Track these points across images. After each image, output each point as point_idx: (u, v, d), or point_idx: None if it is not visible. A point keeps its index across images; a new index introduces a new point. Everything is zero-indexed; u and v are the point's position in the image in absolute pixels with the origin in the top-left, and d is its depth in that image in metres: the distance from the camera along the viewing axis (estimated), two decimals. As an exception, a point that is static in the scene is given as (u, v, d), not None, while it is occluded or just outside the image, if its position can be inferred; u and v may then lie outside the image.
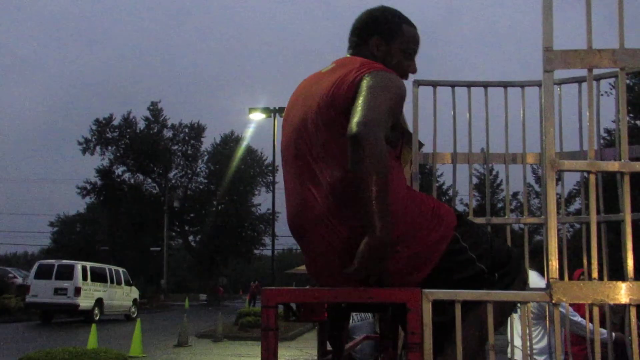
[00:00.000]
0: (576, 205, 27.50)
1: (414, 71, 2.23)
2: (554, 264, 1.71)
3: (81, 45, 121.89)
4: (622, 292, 1.68)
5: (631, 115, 24.32)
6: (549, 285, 1.71)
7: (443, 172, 22.70)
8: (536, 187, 30.71)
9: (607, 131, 24.45)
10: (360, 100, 1.83)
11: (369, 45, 2.15)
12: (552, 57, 1.77)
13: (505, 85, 2.96)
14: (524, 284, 2.04)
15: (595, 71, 1.93)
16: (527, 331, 1.73)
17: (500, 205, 28.99)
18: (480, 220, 2.87)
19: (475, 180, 31.82)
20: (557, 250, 1.71)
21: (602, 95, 3.36)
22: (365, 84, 1.88)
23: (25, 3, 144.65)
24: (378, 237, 1.69)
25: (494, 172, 32.56)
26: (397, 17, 2.18)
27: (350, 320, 4.46)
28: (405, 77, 2.20)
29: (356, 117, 1.76)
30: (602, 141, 3.16)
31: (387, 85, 1.91)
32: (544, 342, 3.89)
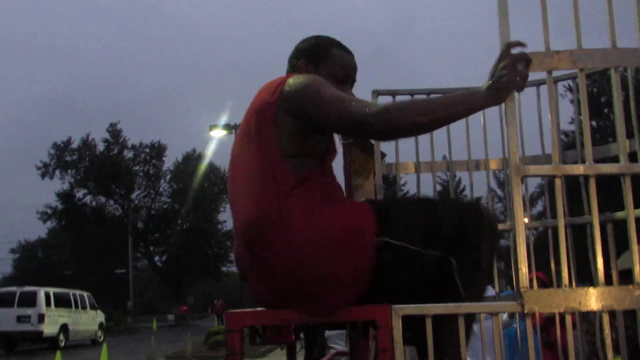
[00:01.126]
0: (538, 207, 27.90)
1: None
2: (524, 271, 1.65)
3: (34, 67, 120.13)
4: (593, 299, 1.64)
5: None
6: (519, 294, 1.66)
7: (407, 181, 22.80)
8: (499, 192, 31.08)
9: (564, 133, 24.99)
10: (322, 112, 1.82)
11: (297, 69, 2.10)
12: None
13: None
14: (492, 251, 1.91)
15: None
16: (499, 342, 1.67)
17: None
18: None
19: (439, 188, 32.00)
20: (526, 257, 1.66)
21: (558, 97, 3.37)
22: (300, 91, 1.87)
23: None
24: (484, 97, 1.71)
25: (456, 179, 32.84)
26: (327, 42, 2.12)
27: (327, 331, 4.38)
28: None
29: (343, 123, 1.80)
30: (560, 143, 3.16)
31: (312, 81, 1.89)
32: None
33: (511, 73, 1.66)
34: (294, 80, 1.90)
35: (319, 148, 1.93)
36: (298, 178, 1.83)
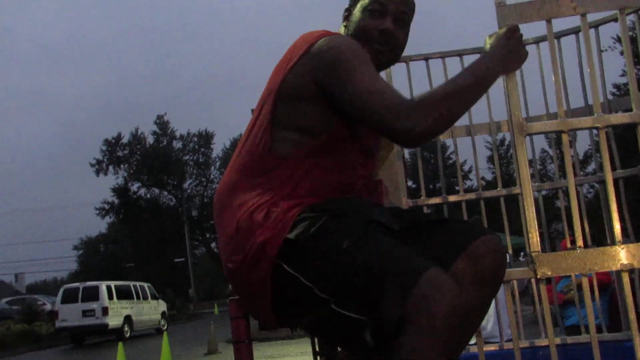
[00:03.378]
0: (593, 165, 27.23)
1: (388, 29, 1.75)
2: (534, 236, 1.57)
3: (81, 68, 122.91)
4: (611, 259, 1.54)
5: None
6: (531, 259, 1.57)
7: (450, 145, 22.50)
8: (550, 152, 30.45)
9: (616, 86, 24.12)
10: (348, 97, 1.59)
11: (343, 19, 1.89)
12: (506, 13, 1.64)
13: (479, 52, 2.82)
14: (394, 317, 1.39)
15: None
16: (514, 309, 1.59)
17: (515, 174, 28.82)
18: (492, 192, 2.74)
19: (488, 153, 31.64)
20: (535, 221, 1.57)
21: (605, 50, 3.20)
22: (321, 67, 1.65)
23: (23, 36, 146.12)
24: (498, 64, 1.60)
25: (506, 143, 32.29)
26: None
27: None
28: (377, 37, 1.76)
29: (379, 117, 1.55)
30: (610, 96, 3.02)
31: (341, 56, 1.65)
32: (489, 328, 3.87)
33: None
34: (324, 41, 1.69)
35: (318, 123, 1.69)
36: (269, 157, 1.68)
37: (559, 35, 2.75)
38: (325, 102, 1.66)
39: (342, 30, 1.87)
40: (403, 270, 1.39)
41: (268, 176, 1.67)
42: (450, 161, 30.89)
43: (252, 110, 1.86)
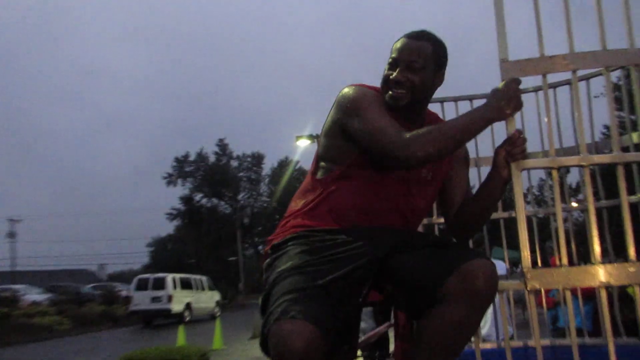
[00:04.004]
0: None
1: (393, 78, 1.75)
2: (526, 254, 1.55)
3: (158, 97, 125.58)
4: (591, 276, 1.52)
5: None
6: (523, 274, 1.55)
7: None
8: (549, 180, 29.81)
9: (606, 127, 23.55)
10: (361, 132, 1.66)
11: None
12: (508, 67, 1.63)
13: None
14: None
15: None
16: (506, 317, 1.57)
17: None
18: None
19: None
20: (527, 242, 1.55)
21: (597, 96, 3.14)
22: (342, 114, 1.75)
23: (114, 70, 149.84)
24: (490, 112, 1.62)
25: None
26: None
27: None
28: (392, 85, 1.75)
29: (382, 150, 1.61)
30: (601, 136, 2.96)
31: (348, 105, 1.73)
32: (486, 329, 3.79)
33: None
34: (346, 90, 1.77)
35: (343, 154, 1.76)
36: (310, 183, 1.82)
37: (556, 85, 2.72)
38: (345, 138, 1.73)
39: None
40: (266, 316, 1.45)
41: (305, 194, 1.79)
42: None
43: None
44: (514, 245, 3.79)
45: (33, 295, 27.77)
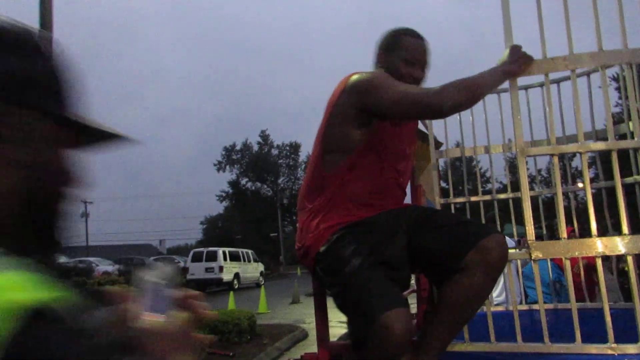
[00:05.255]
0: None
1: (418, 76, 1.77)
2: (530, 229, 1.59)
3: (210, 94, 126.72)
4: (588, 247, 1.55)
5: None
6: (528, 246, 1.59)
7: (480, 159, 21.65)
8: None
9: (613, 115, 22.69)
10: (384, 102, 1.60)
11: (376, 58, 1.86)
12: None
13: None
14: None
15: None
16: (513, 286, 1.61)
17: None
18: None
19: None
20: (531, 218, 1.58)
21: (600, 87, 3.05)
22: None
23: (173, 71, 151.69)
24: (507, 66, 1.63)
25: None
26: (399, 31, 1.82)
27: None
28: (413, 82, 1.74)
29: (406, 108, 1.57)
30: (603, 125, 2.90)
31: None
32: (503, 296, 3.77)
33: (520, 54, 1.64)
34: (356, 76, 1.70)
35: (352, 141, 1.69)
36: (320, 178, 1.74)
37: (560, 80, 2.69)
38: (359, 122, 1.66)
39: (375, 68, 1.85)
40: (364, 310, 1.42)
41: (320, 191, 1.73)
42: (475, 170, 29.97)
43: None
44: (524, 222, 3.81)
45: (105, 266, 28.67)
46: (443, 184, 3.52)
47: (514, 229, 2.80)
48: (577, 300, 1.81)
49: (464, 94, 1.54)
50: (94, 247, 52.34)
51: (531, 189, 2.79)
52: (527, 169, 1.68)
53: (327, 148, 1.73)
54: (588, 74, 2.61)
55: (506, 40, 1.65)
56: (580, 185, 3.21)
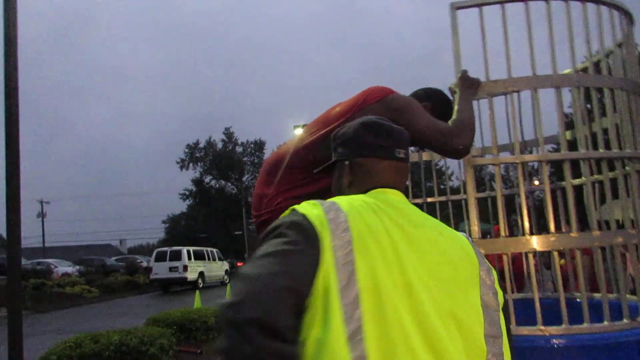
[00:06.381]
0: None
1: None
2: (474, 228, 1.82)
3: (171, 91, 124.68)
4: (521, 244, 1.79)
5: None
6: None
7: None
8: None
9: (566, 115, 23.67)
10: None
11: (416, 96, 1.97)
12: (453, 87, 1.88)
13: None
14: None
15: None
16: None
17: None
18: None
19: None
20: (476, 219, 1.82)
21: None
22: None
23: (132, 68, 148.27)
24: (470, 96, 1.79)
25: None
26: (434, 92, 1.96)
27: None
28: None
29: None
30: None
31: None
32: None
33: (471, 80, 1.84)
34: (399, 95, 1.82)
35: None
36: (314, 164, 1.69)
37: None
38: None
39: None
40: None
41: (309, 178, 1.78)
42: (433, 171, 30.58)
43: (304, 125, 2.05)
44: (485, 218, 4.07)
45: (64, 267, 27.99)
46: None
47: (466, 227, 3.06)
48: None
49: (472, 135, 1.70)
50: (51, 248, 50.86)
51: (489, 188, 3.06)
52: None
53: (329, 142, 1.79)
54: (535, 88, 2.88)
55: (456, 66, 1.88)
56: (536, 182, 3.51)
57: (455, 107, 1.81)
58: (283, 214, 1.04)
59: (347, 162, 1.16)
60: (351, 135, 1.18)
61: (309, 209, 1.00)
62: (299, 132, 27.93)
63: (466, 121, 1.72)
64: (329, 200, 1.03)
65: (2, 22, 5.51)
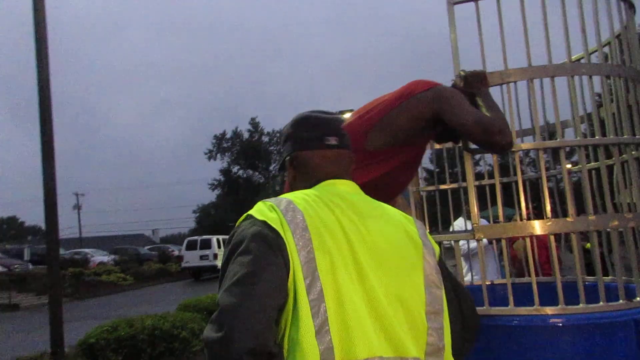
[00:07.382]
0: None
1: None
2: (474, 213, 1.90)
3: (199, 84, 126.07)
4: (520, 229, 1.87)
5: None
6: (472, 228, 1.91)
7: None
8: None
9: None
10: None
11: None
12: (458, 83, 1.95)
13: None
14: None
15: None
16: (462, 264, 1.91)
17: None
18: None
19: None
20: (476, 206, 1.89)
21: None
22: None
23: (162, 63, 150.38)
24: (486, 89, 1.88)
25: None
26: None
27: None
28: None
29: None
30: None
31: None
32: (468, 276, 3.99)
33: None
34: (446, 87, 1.88)
35: (408, 135, 1.88)
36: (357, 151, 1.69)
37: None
38: (428, 124, 1.85)
39: None
40: None
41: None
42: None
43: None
44: (511, 204, 4.10)
45: (100, 257, 28.93)
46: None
47: (490, 212, 3.10)
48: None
49: (509, 130, 1.74)
50: (87, 238, 52.51)
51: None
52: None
53: (380, 127, 1.85)
54: (531, 78, 2.91)
55: (454, 62, 1.95)
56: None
57: (479, 103, 1.84)
58: (240, 220, 1.11)
59: (288, 158, 1.25)
60: (287, 132, 1.27)
61: (267, 213, 1.06)
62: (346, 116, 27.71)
63: (501, 116, 1.75)
64: (284, 197, 1.10)
65: (32, 22, 5.77)
